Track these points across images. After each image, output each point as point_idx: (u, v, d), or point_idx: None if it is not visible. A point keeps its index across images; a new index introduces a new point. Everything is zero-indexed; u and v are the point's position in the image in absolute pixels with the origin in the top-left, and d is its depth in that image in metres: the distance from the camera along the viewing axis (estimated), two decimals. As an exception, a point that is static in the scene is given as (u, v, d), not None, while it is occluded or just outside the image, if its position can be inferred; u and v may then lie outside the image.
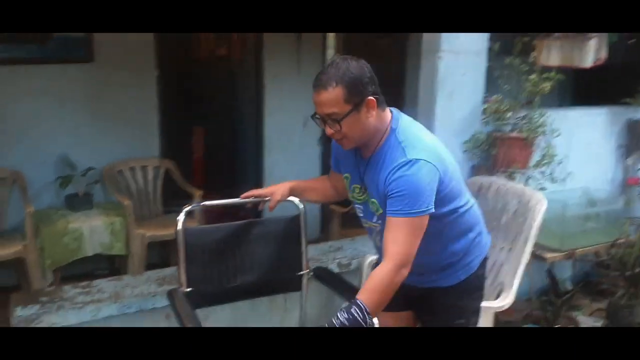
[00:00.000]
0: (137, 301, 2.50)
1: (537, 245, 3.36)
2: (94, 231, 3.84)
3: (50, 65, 3.97)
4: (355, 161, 1.90)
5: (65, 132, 4.09)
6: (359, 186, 1.91)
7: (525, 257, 2.65)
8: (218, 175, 5.81)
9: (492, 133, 3.21)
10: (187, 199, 4.14)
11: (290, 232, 2.17)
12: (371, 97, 1.71)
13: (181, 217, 1.98)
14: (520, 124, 3.17)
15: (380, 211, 1.83)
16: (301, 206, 2.15)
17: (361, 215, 1.97)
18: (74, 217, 3.88)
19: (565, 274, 3.60)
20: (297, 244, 2.17)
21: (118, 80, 4.17)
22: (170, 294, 2.00)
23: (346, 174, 1.97)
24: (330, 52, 9.26)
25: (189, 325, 1.77)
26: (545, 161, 3.20)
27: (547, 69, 3.29)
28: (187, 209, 2.01)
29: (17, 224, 3.84)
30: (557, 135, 3.20)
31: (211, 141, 6.06)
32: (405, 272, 1.69)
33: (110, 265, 4.15)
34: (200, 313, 2.64)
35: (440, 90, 3.07)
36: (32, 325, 2.30)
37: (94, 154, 4.15)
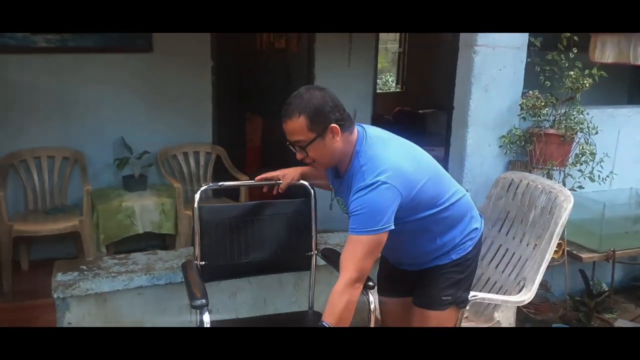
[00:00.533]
0: (166, 274, 2.67)
1: (574, 245, 3.32)
2: (145, 210, 4.09)
3: (113, 54, 4.25)
4: (334, 179, 2.03)
5: (125, 117, 4.35)
6: (340, 199, 2.03)
7: (549, 253, 2.61)
8: (273, 164, 5.97)
9: (530, 129, 3.17)
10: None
11: (301, 214, 2.28)
12: (334, 125, 1.80)
13: (197, 196, 2.14)
14: (559, 121, 3.11)
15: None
16: (312, 190, 2.23)
17: None
18: (128, 197, 4.14)
19: (608, 276, 3.49)
20: (307, 226, 2.29)
21: (175, 70, 4.40)
22: (184, 266, 2.14)
23: (332, 186, 2.09)
24: (392, 47, 9.24)
25: (197, 292, 1.89)
26: (583, 159, 3.13)
27: (592, 65, 3.21)
28: (203, 188, 2.17)
29: (77, 200, 4.15)
30: (596, 133, 3.12)
31: (267, 131, 6.23)
32: (360, 286, 1.79)
33: (161, 243, 4.39)
34: (228, 290, 2.80)
35: (475, 85, 3.06)
36: (70, 289, 2.51)
37: (150, 138, 4.40)
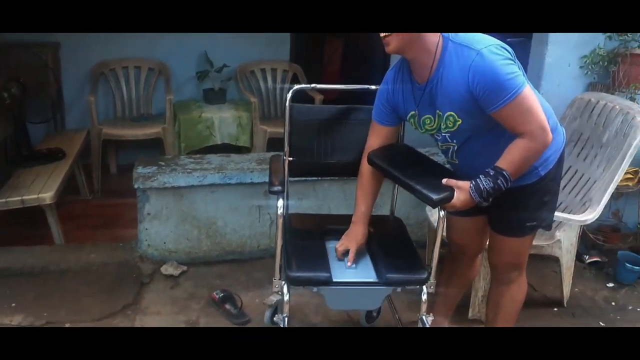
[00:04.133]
0: (237, 174, 2.82)
1: (653, 174, 3.20)
2: (223, 122, 4.27)
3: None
4: (415, 93, 1.87)
5: (207, 31, 4.47)
6: (429, 117, 1.88)
7: (619, 175, 2.55)
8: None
9: (616, 49, 3.01)
10: (310, 102, 4.39)
11: None
12: None
13: (289, 95, 2.14)
14: (649, 41, 2.94)
15: (459, 122, 1.80)
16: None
17: (438, 143, 1.97)
18: (208, 109, 4.33)
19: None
20: None
21: (256, -15, 4.44)
22: (272, 158, 2.26)
23: (411, 113, 1.92)
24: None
25: (275, 181, 2.02)
26: (671, 83, 2.96)
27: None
28: (296, 87, 2.16)
29: (162, 110, 4.36)
30: (686, 54, 2.92)
31: (347, 54, 6.20)
32: (547, 136, 1.70)
33: (237, 157, 4.58)
34: (296, 195, 2.91)
35: None
36: (149, 181, 2.72)
37: (230, 53, 4.51)
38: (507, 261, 2.10)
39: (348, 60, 6.18)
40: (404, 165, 1.96)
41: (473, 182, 1.76)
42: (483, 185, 1.74)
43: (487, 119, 1.74)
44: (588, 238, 3.26)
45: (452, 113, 1.80)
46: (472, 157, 1.91)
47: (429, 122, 1.90)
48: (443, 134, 1.89)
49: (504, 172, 1.73)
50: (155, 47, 4.43)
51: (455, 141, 1.90)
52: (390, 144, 2.06)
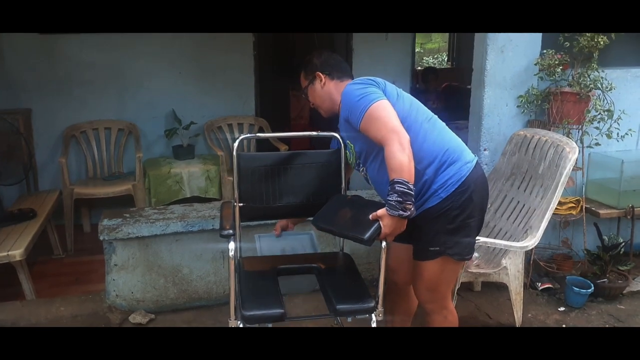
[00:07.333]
0: (199, 221, 2.96)
1: (595, 202, 3.41)
2: (192, 176, 4.43)
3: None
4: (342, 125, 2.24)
5: (174, 91, 4.70)
6: (350, 144, 2.24)
7: (554, 202, 2.74)
8: (320, 143, 6.18)
9: (547, 88, 3.26)
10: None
11: (331, 162, 2.38)
12: (318, 72, 2.20)
13: (235, 144, 2.28)
14: (575, 80, 3.18)
15: (352, 146, 2.19)
16: (342, 142, 2.34)
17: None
18: (177, 164, 4.50)
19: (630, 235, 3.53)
20: (337, 173, 2.38)
21: (220, 45, 4.69)
22: (222, 205, 2.38)
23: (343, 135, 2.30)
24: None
25: (226, 224, 2.10)
26: (599, 117, 3.19)
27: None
28: (242, 137, 2.33)
29: (132, 168, 4.52)
30: (609, 90, 3.16)
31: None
32: (399, 136, 1.91)
33: (208, 209, 4.72)
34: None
35: (490, 46, 3.18)
36: (113, 233, 2.85)
37: (198, 110, 4.74)
38: (423, 287, 2.21)
39: (317, 114, 6.40)
40: (339, 218, 2.13)
41: (386, 205, 1.91)
42: (391, 200, 1.87)
43: (368, 140, 2.03)
44: (540, 266, 3.42)
45: (348, 140, 2.21)
46: (378, 181, 2.13)
47: (352, 148, 2.24)
48: (356, 164, 2.25)
49: (395, 179, 1.87)
50: (125, 109, 4.63)
51: (362, 165, 2.21)
52: (328, 203, 2.27)
